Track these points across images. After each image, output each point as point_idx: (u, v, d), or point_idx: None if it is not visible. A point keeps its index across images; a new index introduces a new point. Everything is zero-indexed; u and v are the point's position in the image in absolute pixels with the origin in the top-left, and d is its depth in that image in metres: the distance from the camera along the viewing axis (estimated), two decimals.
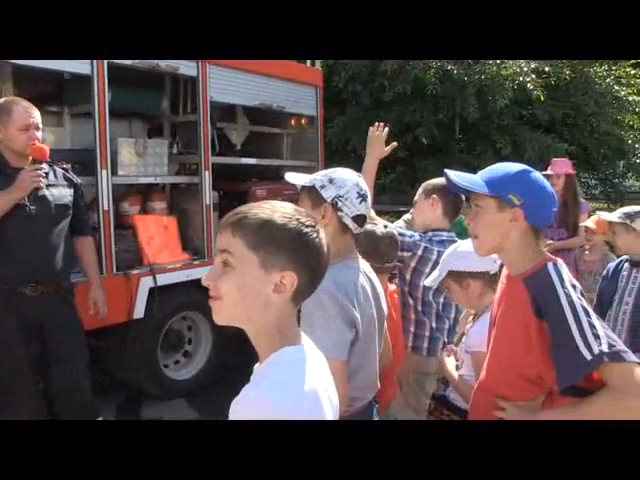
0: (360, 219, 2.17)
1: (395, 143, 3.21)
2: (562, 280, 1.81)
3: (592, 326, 1.72)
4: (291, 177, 2.28)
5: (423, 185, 3.40)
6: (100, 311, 3.84)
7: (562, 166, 5.73)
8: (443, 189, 3.23)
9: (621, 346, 1.72)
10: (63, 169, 3.64)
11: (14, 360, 3.42)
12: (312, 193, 2.17)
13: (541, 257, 1.93)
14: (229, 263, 1.29)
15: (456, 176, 1.97)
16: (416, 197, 3.39)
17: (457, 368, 2.71)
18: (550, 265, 1.87)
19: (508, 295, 2.00)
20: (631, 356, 1.71)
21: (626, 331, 3.52)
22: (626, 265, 3.63)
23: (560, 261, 1.93)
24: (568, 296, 1.77)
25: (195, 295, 5.16)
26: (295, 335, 1.36)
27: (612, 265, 3.76)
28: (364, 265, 2.25)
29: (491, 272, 2.59)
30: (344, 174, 2.19)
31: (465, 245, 2.54)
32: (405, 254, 3.11)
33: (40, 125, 3.41)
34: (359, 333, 2.05)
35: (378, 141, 3.27)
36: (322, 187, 2.15)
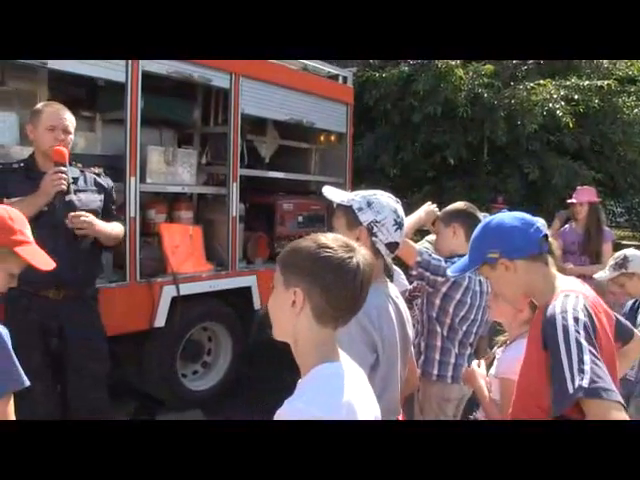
0: (393, 246, 2.18)
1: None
2: (565, 312, 1.84)
3: (581, 361, 1.74)
4: (329, 192, 2.26)
5: (440, 215, 3.45)
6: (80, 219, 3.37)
7: (585, 194, 5.80)
8: (461, 215, 3.30)
9: (605, 384, 1.72)
10: (95, 174, 3.63)
11: (32, 361, 3.42)
12: (349, 213, 2.16)
13: (561, 287, 1.98)
14: (273, 286, 1.52)
15: (452, 271, 2.21)
16: (436, 228, 3.46)
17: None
18: (561, 296, 1.91)
19: (532, 324, 2.06)
20: (613, 395, 1.70)
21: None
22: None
23: (575, 293, 1.94)
24: (565, 327, 1.80)
25: (217, 306, 5.16)
26: (332, 352, 1.49)
27: (628, 305, 3.85)
28: (392, 290, 2.23)
29: None
30: (383, 199, 2.17)
31: None
32: (439, 279, 3.09)
33: (70, 129, 3.40)
34: (379, 358, 2.03)
35: (430, 214, 3.43)
36: (360, 209, 2.14)
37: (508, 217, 2.06)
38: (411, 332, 2.31)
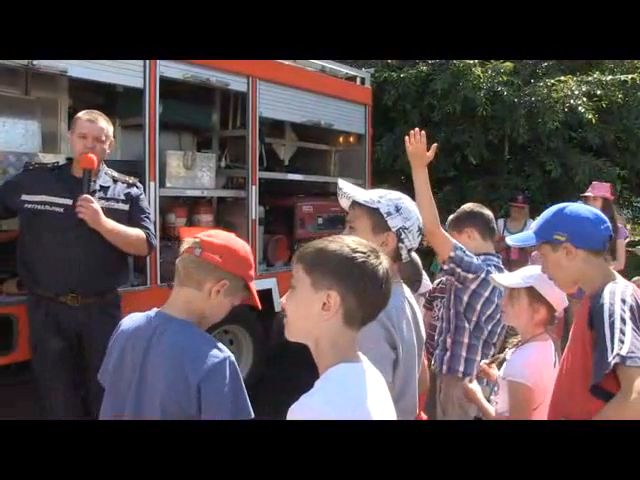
0: (411, 251, 2.18)
1: (435, 145, 3.14)
2: (613, 293, 1.97)
3: (622, 332, 1.85)
4: (347, 188, 2.22)
5: (448, 224, 3.44)
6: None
7: (600, 189, 5.82)
8: (470, 217, 3.35)
9: None
10: (129, 184, 3.63)
11: (50, 364, 3.46)
12: (375, 216, 2.11)
13: (611, 278, 2.08)
14: (292, 285, 1.52)
15: (512, 240, 2.35)
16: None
17: (490, 393, 2.67)
18: (611, 282, 2.04)
19: (577, 313, 2.19)
20: None
21: None
22: None
23: (624, 281, 2.08)
24: (611, 305, 1.92)
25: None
26: (352, 354, 1.50)
27: None
28: (406, 291, 2.23)
29: (556, 312, 2.60)
30: (409, 204, 2.16)
31: None
32: (470, 275, 3.08)
33: (102, 138, 3.44)
34: (399, 357, 2.03)
35: (418, 152, 3.13)
36: (388, 214, 2.09)
37: (584, 209, 2.19)
38: (424, 332, 2.30)
